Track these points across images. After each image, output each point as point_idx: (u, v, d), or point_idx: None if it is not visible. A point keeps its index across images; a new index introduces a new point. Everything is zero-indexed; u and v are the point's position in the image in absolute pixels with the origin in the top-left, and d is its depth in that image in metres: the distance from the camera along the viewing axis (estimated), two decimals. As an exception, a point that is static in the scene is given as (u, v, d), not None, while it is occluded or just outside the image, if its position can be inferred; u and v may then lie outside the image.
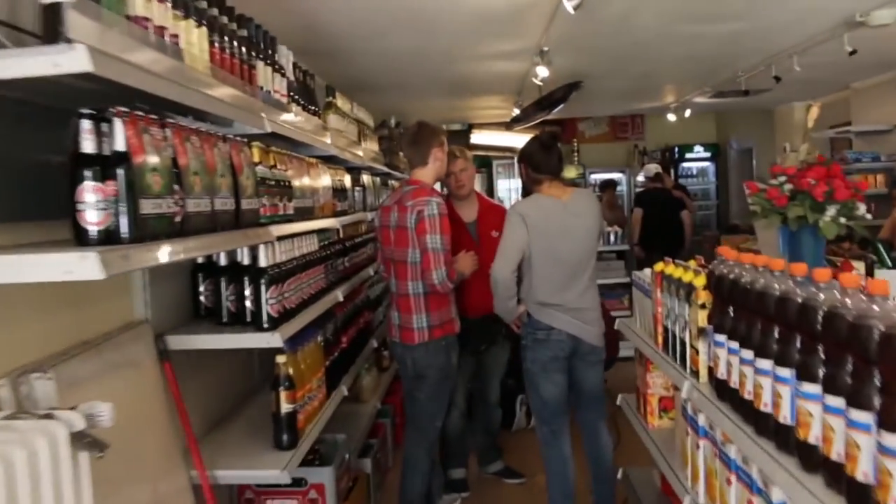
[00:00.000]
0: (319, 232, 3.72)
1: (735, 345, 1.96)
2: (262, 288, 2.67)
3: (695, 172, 12.69)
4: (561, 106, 6.20)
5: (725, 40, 5.50)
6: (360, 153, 4.93)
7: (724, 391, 2.06)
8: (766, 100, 9.46)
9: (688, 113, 9.19)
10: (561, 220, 3.69)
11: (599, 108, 11.31)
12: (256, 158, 2.59)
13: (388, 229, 3.86)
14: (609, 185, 10.45)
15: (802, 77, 6.42)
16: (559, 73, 5.81)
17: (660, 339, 2.80)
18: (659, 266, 2.85)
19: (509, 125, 7.03)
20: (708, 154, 12.52)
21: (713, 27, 5.04)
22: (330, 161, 4.21)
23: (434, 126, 3.97)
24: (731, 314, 2.05)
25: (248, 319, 2.75)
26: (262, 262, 2.69)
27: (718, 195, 12.66)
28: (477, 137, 11.18)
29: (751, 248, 6.66)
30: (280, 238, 2.83)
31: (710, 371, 2.22)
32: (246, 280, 2.74)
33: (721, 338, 2.06)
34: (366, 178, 5.29)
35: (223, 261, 2.88)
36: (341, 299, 3.84)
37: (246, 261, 2.77)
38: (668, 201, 8.49)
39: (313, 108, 3.72)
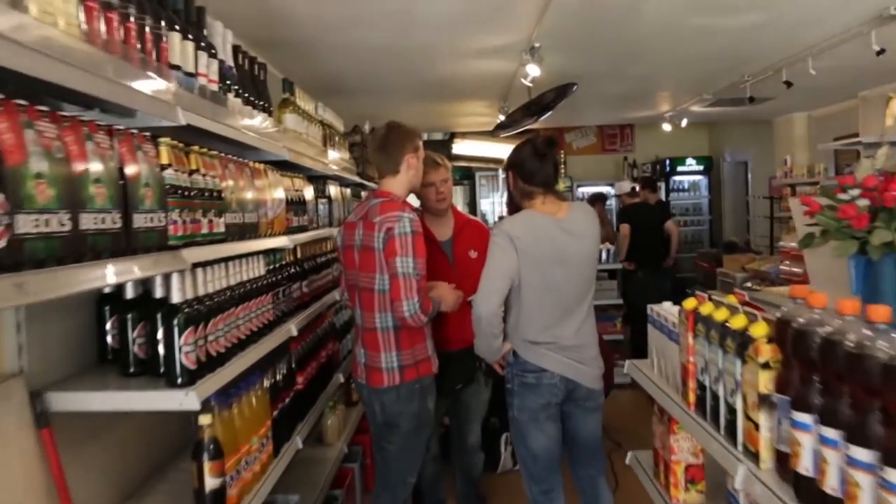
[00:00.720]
0: (268, 253, 3.08)
1: (834, 434, 1.34)
2: (175, 331, 2.02)
3: (686, 186, 12.15)
4: (551, 112, 5.60)
5: (739, 37, 4.92)
6: (326, 160, 4.30)
7: (809, 494, 1.44)
8: (764, 110, 8.94)
9: (684, 122, 8.64)
10: (556, 243, 3.08)
11: (588, 117, 10.75)
12: (165, 160, 1.95)
13: (353, 250, 3.23)
14: (598, 199, 9.89)
15: (808, 84, 5.88)
16: (550, 73, 5.21)
17: (691, 397, 2.18)
18: (690, 303, 2.23)
19: (494, 132, 6.42)
20: (700, 167, 11.98)
21: (728, 20, 4.46)
22: (286, 168, 3.58)
23: (407, 128, 3.35)
24: (820, 384, 1.43)
25: (161, 369, 2.10)
26: (176, 298, 2.05)
27: (711, 210, 12.11)
28: (459, 147, 10.56)
29: (759, 269, 6.09)
30: (203, 264, 2.19)
31: (779, 455, 1.60)
32: (157, 320, 2.10)
33: (804, 418, 1.44)
34: (333, 190, 4.65)
35: (130, 291, 2.23)
36: (295, 333, 3.20)
37: (158, 293, 2.13)
38: (653, 213, 8.29)
39: (263, 104, 3.08)
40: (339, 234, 3.37)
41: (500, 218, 3.45)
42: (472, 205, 12.25)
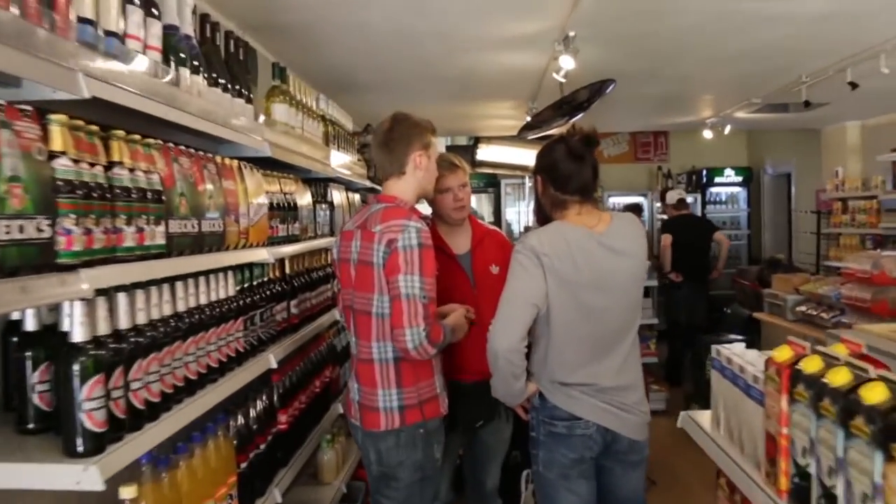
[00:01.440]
0: (241, 269, 2.53)
1: None
2: (74, 381, 1.47)
3: (724, 198, 11.44)
4: (584, 112, 5.01)
5: (798, 29, 4.30)
6: (327, 161, 3.75)
7: None
8: (811, 119, 8.29)
9: (727, 129, 7.99)
10: (595, 261, 2.50)
11: (621, 123, 10.12)
12: (58, 145, 1.40)
13: (348, 264, 2.67)
14: (634, 211, 9.27)
15: (870, 87, 5.25)
16: (584, 69, 4.62)
17: (783, 482, 1.59)
18: (783, 353, 1.64)
19: (521, 133, 5.82)
20: (739, 178, 11.27)
21: (788, 5, 3.85)
22: (279, 168, 3.05)
23: (416, 119, 2.77)
24: None
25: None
26: (77, 335, 1.50)
27: (750, 224, 11.41)
28: (484, 153, 9.92)
29: (815, 292, 5.45)
30: (124, 288, 1.64)
31: None
32: (57, 364, 1.55)
33: None
34: (337, 195, 4.10)
35: (30, 322, 1.69)
36: (274, 365, 2.65)
37: (64, 326, 1.58)
38: (699, 225, 7.98)
39: (239, 88, 2.54)
40: (335, 245, 2.80)
41: (526, 229, 2.75)
42: (497, 214, 11.65)
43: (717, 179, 11.27)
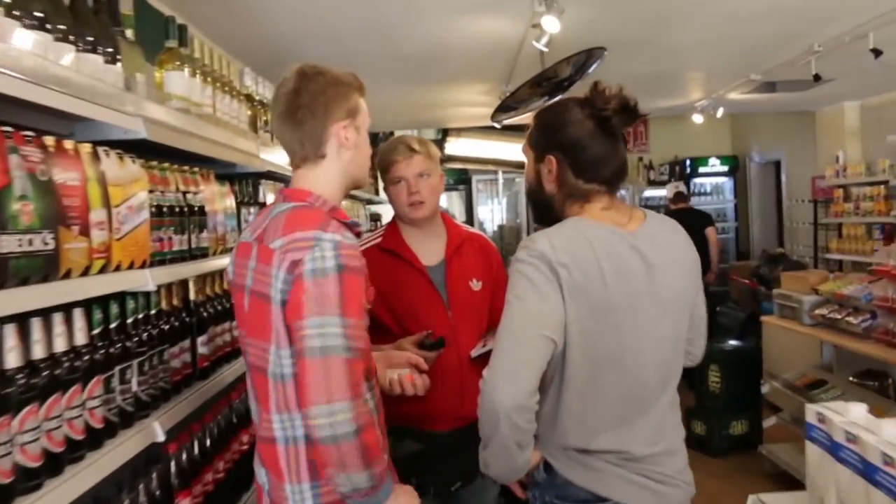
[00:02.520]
0: (105, 302, 1.74)
1: None
2: None
3: (709, 189, 10.78)
4: (568, 91, 4.27)
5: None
6: (257, 151, 2.96)
7: None
8: (802, 100, 7.62)
9: (720, 112, 7.26)
10: (631, 275, 1.75)
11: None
12: None
13: (243, 292, 1.81)
14: None
15: (867, 66, 4.58)
16: (567, 37, 3.87)
17: None
18: None
19: (494, 116, 5.03)
20: (725, 168, 10.61)
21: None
22: (191, 161, 2.27)
23: (336, 74, 1.88)
24: None
25: None
26: None
27: (738, 216, 10.76)
28: (453, 146, 9.20)
29: (838, 293, 4.75)
30: None
31: None
32: None
33: None
34: (272, 196, 3.30)
35: None
36: (160, 437, 1.85)
37: None
38: (697, 219, 7.28)
39: (94, 39, 1.75)
40: (230, 262, 1.93)
41: (536, 229, 1.83)
42: (469, 213, 10.88)
43: (702, 169, 10.63)
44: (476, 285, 2.63)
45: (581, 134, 1.80)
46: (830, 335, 4.72)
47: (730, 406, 5.53)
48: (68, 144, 1.57)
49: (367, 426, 1.57)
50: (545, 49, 3.75)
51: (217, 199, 2.52)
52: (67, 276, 1.52)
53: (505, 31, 4.17)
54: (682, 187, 7.80)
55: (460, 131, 9.09)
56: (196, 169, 2.38)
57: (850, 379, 4.82)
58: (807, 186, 8.77)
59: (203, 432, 2.27)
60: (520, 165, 9.96)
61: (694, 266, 1.92)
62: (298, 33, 4.06)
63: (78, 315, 1.58)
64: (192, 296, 2.28)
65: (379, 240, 2.67)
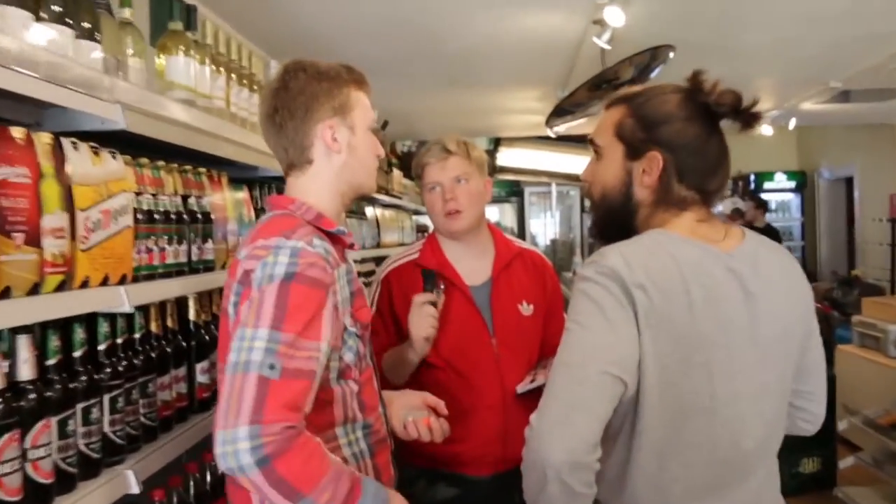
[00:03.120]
0: (67, 327, 1.43)
1: None
2: None
3: (774, 207, 10.24)
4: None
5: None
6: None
7: None
8: (878, 112, 7.08)
9: (792, 124, 6.79)
10: (727, 304, 1.40)
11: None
12: None
13: (224, 312, 1.51)
14: None
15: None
16: (629, 36, 3.50)
17: None
18: None
19: (549, 121, 4.67)
20: (792, 184, 10.07)
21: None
22: (196, 161, 1.98)
23: (323, 68, 1.58)
24: None
25: None
26: None
27: (804, 235, 10.19)
28: (505, 156, 8.82)
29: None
30: None
31: None
32: None
33: None
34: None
35: None
36: (134, 488, 1.54)
37: None
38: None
39: (78, 21, 1.46)
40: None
41: (593, 243, 1.45)
42: (521, 226, 10.50)
43: (767, 185, 10.10)
44: (526, 309, 2.29)
45: (696, 132, 1.45)
46: (919, 369, 4.24)
47: (800, 441, 5.03)
48: (16, 132, 1.27)
49: (286, 452, 1.24)
50: (607, 46, 3.38)
51: (229, 205, 2.22)
52: (5, 295, 1.21)
53: (561, 28, 3.81)
54: (738, 202, 7.31)
55: (513, 141, 8.72)
56: (202, 170, 2.08)
57: (942, 417, 4.34)
58: (883, 204, 8.19)
59: (202, 472, 1.97)
60: (575, 178, 9.57)
61: (806, 298, 1.54)
62: (332, 26, 3.74)
63: (22, 344, 1.28)
64: (192, 316, 1.98)
65: (416, 255, 2.34)
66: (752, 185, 9.99)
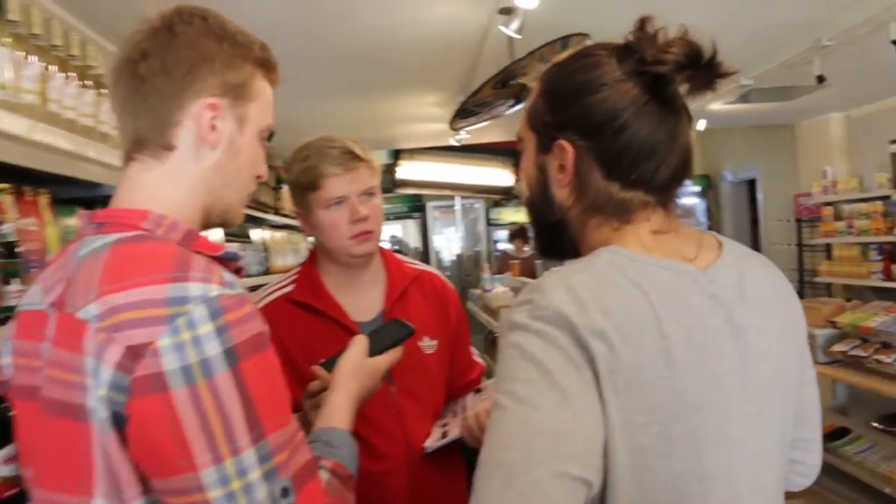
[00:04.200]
0: None
1: None
2: None
3: (680, 212, 10.16)
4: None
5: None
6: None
7: None
8: (780, 113, 7.03)
9: (702, 125, 6.63)
10: (713, 344, 0.98)
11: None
12: None
13: (26, 400, 0.96)
14: (518, 233, 8.09)
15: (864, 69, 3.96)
16: (539, 25, 3.13)
17: None
18: None
19: (452, 123, 4.26)
20: (698, 188, 10.05)
21: None
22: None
23: (229, 28, 1.08)
24: None
25: None
26: None
27: (711, 239, 10.18)
28: (406, 170, 8.38)
29: (862, 326, 4.04)
30: None
31: None
32: None
33: None
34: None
35: None
36: None
37: None
38: None
39: None
40: (5, 349, 1.07)
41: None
42: (425, 243, 10.09)
43: (673, 190, 10.02)
44: (429, 346, 1.86)
45: (619, 104, 1.02)
46: (852, 375, 4.01)
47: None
48: None
49: None
50: (517, 35, 2.98)
51: (51, 233, 1.70)
52: None
53: (463, 19, 3.40)
54: None
55: (413, 153, 8.29)
56: (3, 186, 1.55)
57: (874, 424, 4.14)
58: (786, 205, 8.20)
59: None
60: (480, 190, 9.26)
61: (800, 325, 1.15)
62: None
63: None
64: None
65: (290, 288, 1.86)
66: (658, 191, 9.92)
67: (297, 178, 1.84)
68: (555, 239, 1.14)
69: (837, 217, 6.76)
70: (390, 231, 10.31)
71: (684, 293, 0.98)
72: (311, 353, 1.73)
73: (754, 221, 9.58)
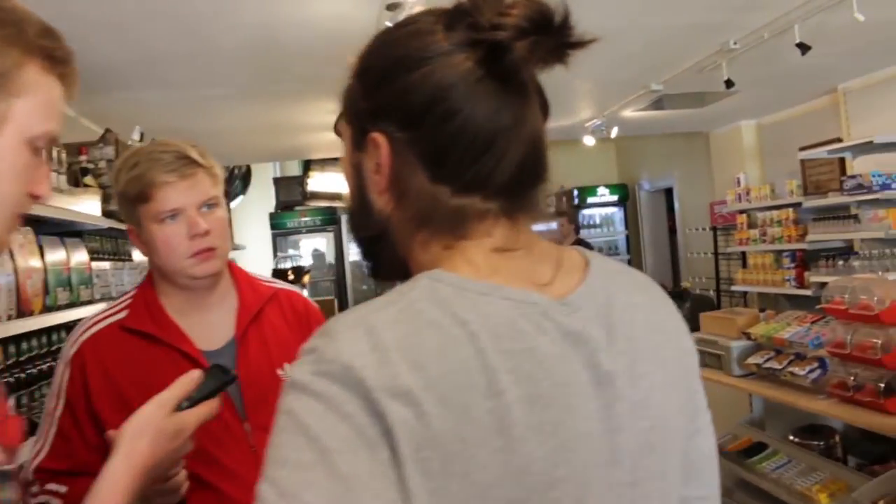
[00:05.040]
0: None
1: None
2: None
3: (598, 221, 10.13)
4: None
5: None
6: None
7: None
8: (693, 121, 7.00)
9: (614, 132, 6.51)
10: (568, 402, 0.73)
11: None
12: None
13: None
14: None
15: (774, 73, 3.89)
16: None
17: None
18: None
19: (337, 124, 4.00)
20: (615, 197, 10.00)
21: None
22: None
23: (12, 6, 0.86)
24: None
25: None
26: None
27: (629, 248, 10.14)
28: (318, 181, 8.07)
29: (776, 337, 3.93)
30: None
31: None
32: None
33: None
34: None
35: None
36: None
37: None
38: None
39: None
40: None
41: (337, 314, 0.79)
42: (339, 257, 9.74)
43: (591, 200, 9.98)
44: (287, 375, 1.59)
45: (444, 82, 0.77)
46: (767, 388, 3.90)
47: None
48: None
49: None
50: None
51: None
52: None
53: (351, 17, 3.15)
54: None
55: (324, 163, 7.99)
56: None
57: (791, 438, 4.02)
58: (703, 214, 8.17)
59: None
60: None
61: (688, 360, 0.92)
62: (74, 19, 2.91)
63: None
64: None
65: (123, 314, 1.59)
66: (577, 201, 9.83)
67: (124, 188, 1.57)
68: (380, 258, 0.89)
69: (751, 225, 6.73)
70: (312, 245, 9.93)
71: (528, 333, 0.74)
72: (149, 388, 1.45)
73: (672, 230, 9.57)
